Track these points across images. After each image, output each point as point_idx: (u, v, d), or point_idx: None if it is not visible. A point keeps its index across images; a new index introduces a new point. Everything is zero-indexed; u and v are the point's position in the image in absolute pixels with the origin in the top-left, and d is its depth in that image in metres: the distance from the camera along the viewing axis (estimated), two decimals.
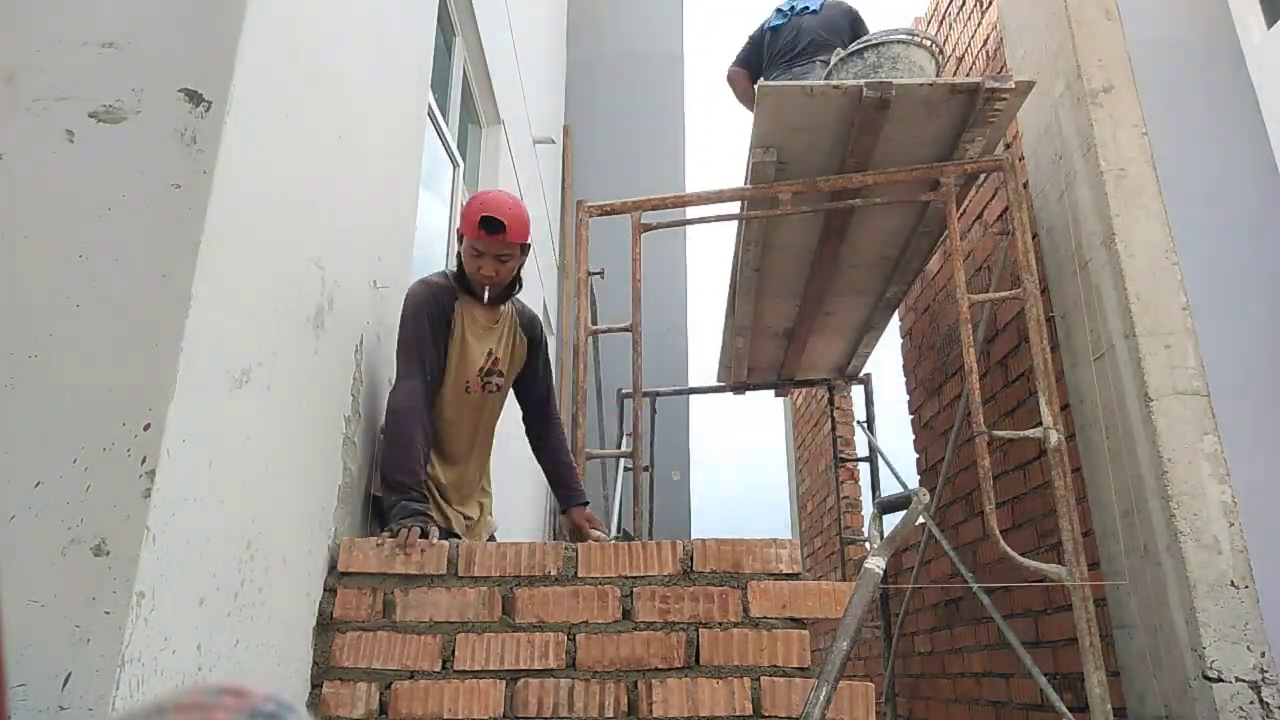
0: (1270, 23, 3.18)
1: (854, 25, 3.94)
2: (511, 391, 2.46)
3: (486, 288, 2.23)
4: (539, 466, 2.54)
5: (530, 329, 2.42)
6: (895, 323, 4.78)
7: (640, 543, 1.90)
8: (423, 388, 2.12)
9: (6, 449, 1.19)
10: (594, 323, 5.30)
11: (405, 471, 2.03)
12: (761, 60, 4.11)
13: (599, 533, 2.37)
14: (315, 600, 1.80)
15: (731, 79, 4.29)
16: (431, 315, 2.17)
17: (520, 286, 2.35)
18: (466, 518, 2.32)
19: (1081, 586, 2.57)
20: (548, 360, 2.53)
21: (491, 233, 2.14)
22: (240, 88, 1.40)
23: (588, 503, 2.46)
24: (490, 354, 2.30)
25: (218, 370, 1.36)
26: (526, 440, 2.56)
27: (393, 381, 2.18)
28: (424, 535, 1.91)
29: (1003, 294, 2.97)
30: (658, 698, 1.74)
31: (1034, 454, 3.20)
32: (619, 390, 4.84)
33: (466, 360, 2.26)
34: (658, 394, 5.26)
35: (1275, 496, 2.47)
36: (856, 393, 5.68)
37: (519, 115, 4.99)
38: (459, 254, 2.27)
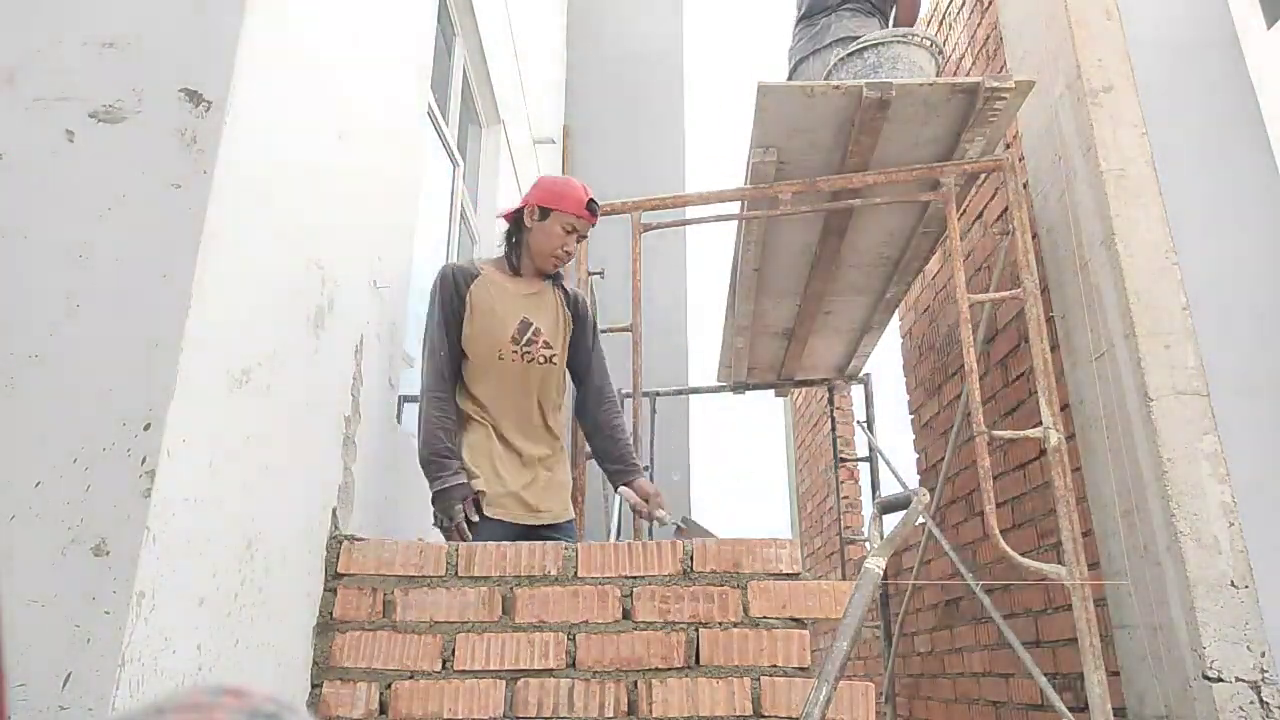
0: (1270, 23, 3.18)
1: None
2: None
3: (556, 265, 2.36)
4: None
5: (574, 305, 2.45)
6: (895, 323, 4.78)
7: (640, 542, 1.90)
8: (435, 368, 2.25)
9: (6, 449, 1.19)
10: None
11: (429, 448, 2.17)
12: None
13: (663, 512, 2.32)
14: (315, 600, 1.80)
15: None
16: (442, 298, 2.29)
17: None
18: (533, 478, 2.30)
19: (1081, 586, 2.57)
20: (598, 339, 2.53)
21: (595, 214, 2.33)
22: (240, 88, 1.40)
23: (647, 467, 2.48)
24: (527, 323, 2.32)
25: (218, 370, 1.36)
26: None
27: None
28: (466, 520, 2.10)
29: (1003, 294, 2.97)
30: (658, 698, 1.74)
31: (1034, 454, 3.19)
32: (619, 390, 4.83)
33: (493, 329, 2.28)
34: (658, 394, 5.26)
35: (1275, 496, 2.47)
36: (856, 393, 5.68)
37: (519, 115, 4.99)
38: (510, 233, 2.38)
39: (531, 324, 2.32)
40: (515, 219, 2.39)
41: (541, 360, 2.32)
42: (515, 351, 2.29)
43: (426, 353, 2.28)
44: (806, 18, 3.75)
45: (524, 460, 2.27)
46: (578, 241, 2.36)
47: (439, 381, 2.25)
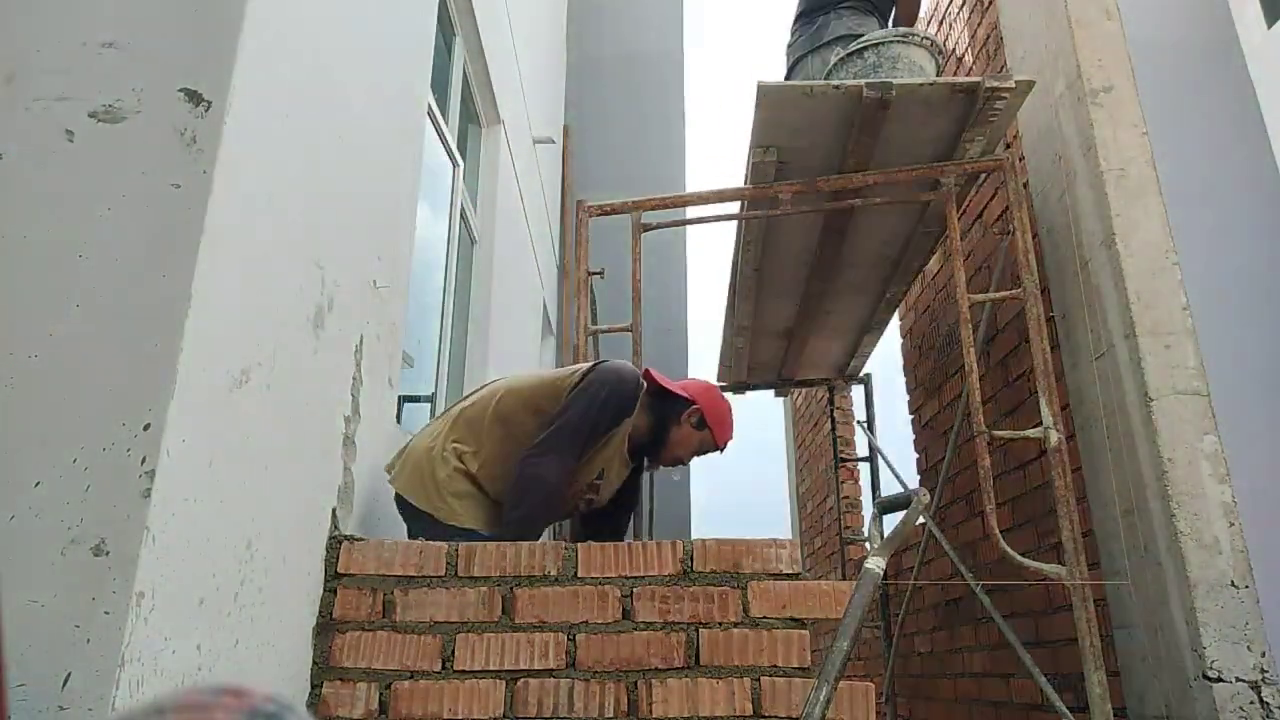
0: (1270, 23, 3.19)
1: None
2: None
3: (666, 465, 2.38)
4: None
5: (638, 472, 2.46)
6: (895, 323, 4.78)
7: (640, 543, 1.90)
8: (576, 449, 2.12)
9: (6, 449, 1.19)
10: (594, 323, 5.29)
11: (545, 517, 2.16)
12: None
13: None
14: (315, 600, 1.80)
15: None
16: (612, 420, 2.16)
17: None
18: None
19: (1081, 586, 2.57)
20: (640, 485, 2.55)
21: (724, 450, 2.36)
22: (240, 88, 1.40)
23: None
24: (602, 475, 2.25)
25: (217, 370, 1.36)
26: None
27: (528, 435, 2.13)
28: None
29: (1003, 294, 2.97)
30: (658, 698, 1.74)
31: (1034, 454, 3.19)
32: None
33: (588, 471, 2.21)
34: None
35: (1275, 496, 2.47)
36: (856, 393, 5.68)
37: (519, 115, 4.99)
38: (666, 408, 2.30)
39: (602, 478, 2.27)
40: (670, 400, 2.30)
41: (583, 506, 2.31)
42: (578, 492, 2.24)
43: (576, 429, 2.10)
44: (805, 15, 3.74)
45: None
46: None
47: (573, 461, 2.12)
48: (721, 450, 2.37)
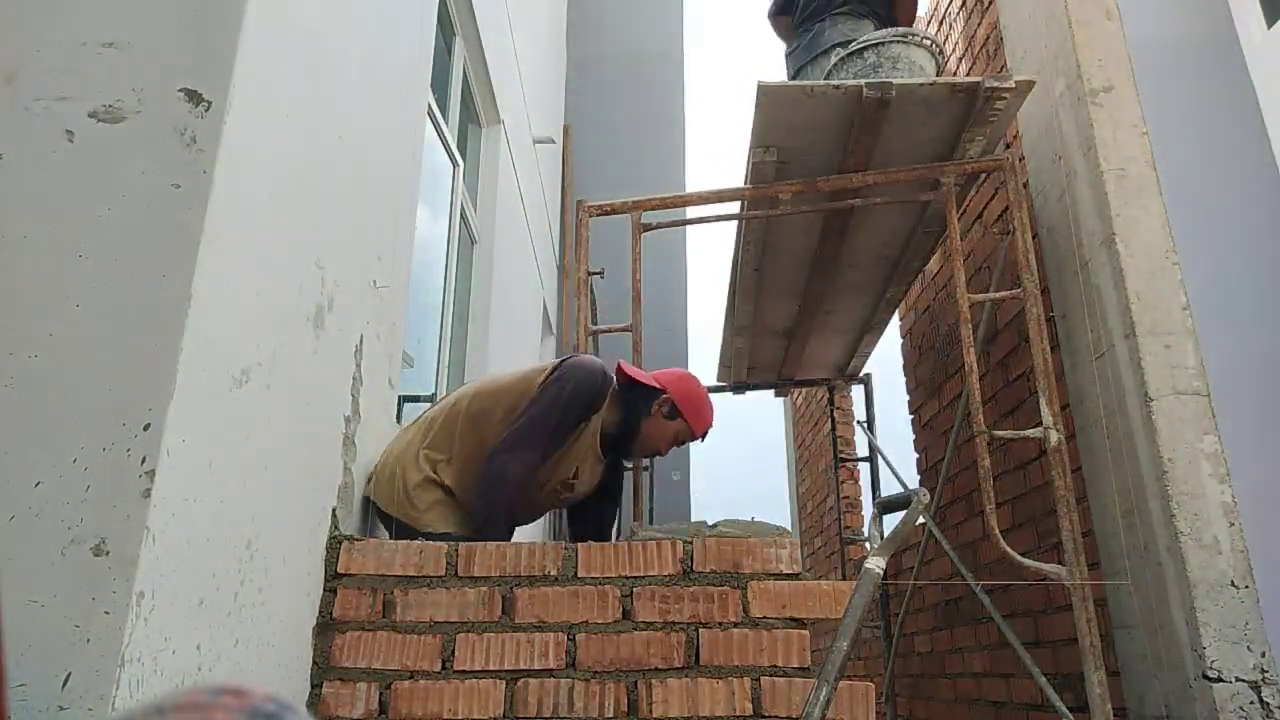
0: (1270, 23, 3.19)
1: None
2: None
3: (644, 458, 2.36)
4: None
5: (617, 468, 2.45)
6: (895, 323, 4.77)
7: (640, 542, 1.90)
8: (542, 445, 2.11)
9: (6, 449, 1.19)
10: (594, 323, 5.30)
11: (506, 512, 2.10)
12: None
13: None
14: (315, 600, 1.80)
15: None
16: (580, 415, 2.16)
17: None
18: None
19: (1081, 586, 2.57)
20: (622, 476, 2.54)
21: (703, 438, 2.31)
22: (240, 88, 1.40)
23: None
24: (576, 473, 2.25)
25: (217, 370, 1.36)
26: None
27: (494, 426, 2.13)
28: None
29: (1003, 294, 2.97)
30: (658, 698, 1.74)
31: (1034, 454, 3.19)
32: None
33: (558, 469, 2.21)
34: None
35: (1275, 496, 2.47)
36: (856, 393, 5.68)
37: (519, 115, 4.99)
38: (635, 400, 2.27)
39: (577, 476, 2.26)
40: (641, 392, 2.28)
41: (560, 501, 2.32)
42: (552, 493, 2.25)
43: (543, 424, 2.10)
44: (802, 23, 3.74)
45: None
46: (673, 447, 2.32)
47: (538, 457, 2.11)
48: (701, 439, 2.31)
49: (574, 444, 2.19)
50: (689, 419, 2.26)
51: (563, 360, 2.21)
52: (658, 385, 2.27)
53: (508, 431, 2.10)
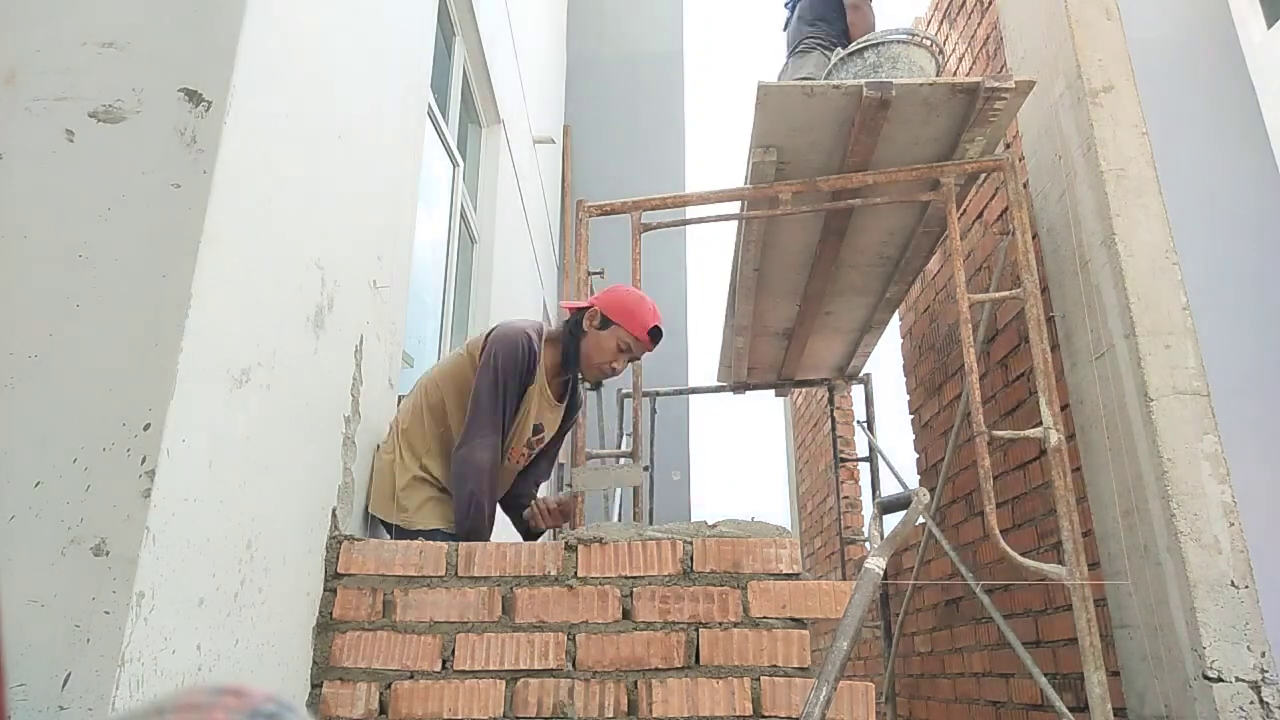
0: (1270, 23, 3.19)
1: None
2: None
3: (599, 378, 2.30)
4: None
5: (574, 406, 2.44)
6: (895, 323, 4.78)
7: (640, 542, 1.90)
8: (497, 423, 2.13)
9: (6, 449, 1.19)
10: None
11: (489, 504, 2.11)
12: None
13: (563, 495, 2.40)
14: (315, 600, 1.80)
15: None
16: (522, 378, 2.18)
17: None
18: None
19: (1081, 586, 2.57)
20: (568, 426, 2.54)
21: (655, 342, 2.23)
22: (240, 88, 1.40)
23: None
24: (539, 427, 2.28)
25: (218, 370, 1.36)
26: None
27: (450, 414, 2.19)
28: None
29: (1003, 294, 2.97)
30: (658, 698, 1.74)
31: (1034, 454, 3.20)
32: (619, 391, 4.85)
33: (522, 431, 2.23)
34: (658, 394, 5.26)
35: (1275, 496, 2.47)
36: (856, 393, 5.68)
37: (519, 115, 5.00)
38: (569, 326, 2.27)
39: (541, 428, 2.28)
40: (576, 316, 2.29)
41: (530, 460, 2.35)
42: (522, 453, 2.28)
43: (490, 406, 2.12)
44: (790, 52, 3.92)
45: None
46: (628, 361, 2.26)
47: (498, 436, 2.14)
48: (650, 341, 2.23)
49: (528, 404, 2.23)
50: (623, 322, 2.22)
51: (489, 333, 2.24)
52: (586, 305, 2.29)
53: (463, 429, 2.14)
